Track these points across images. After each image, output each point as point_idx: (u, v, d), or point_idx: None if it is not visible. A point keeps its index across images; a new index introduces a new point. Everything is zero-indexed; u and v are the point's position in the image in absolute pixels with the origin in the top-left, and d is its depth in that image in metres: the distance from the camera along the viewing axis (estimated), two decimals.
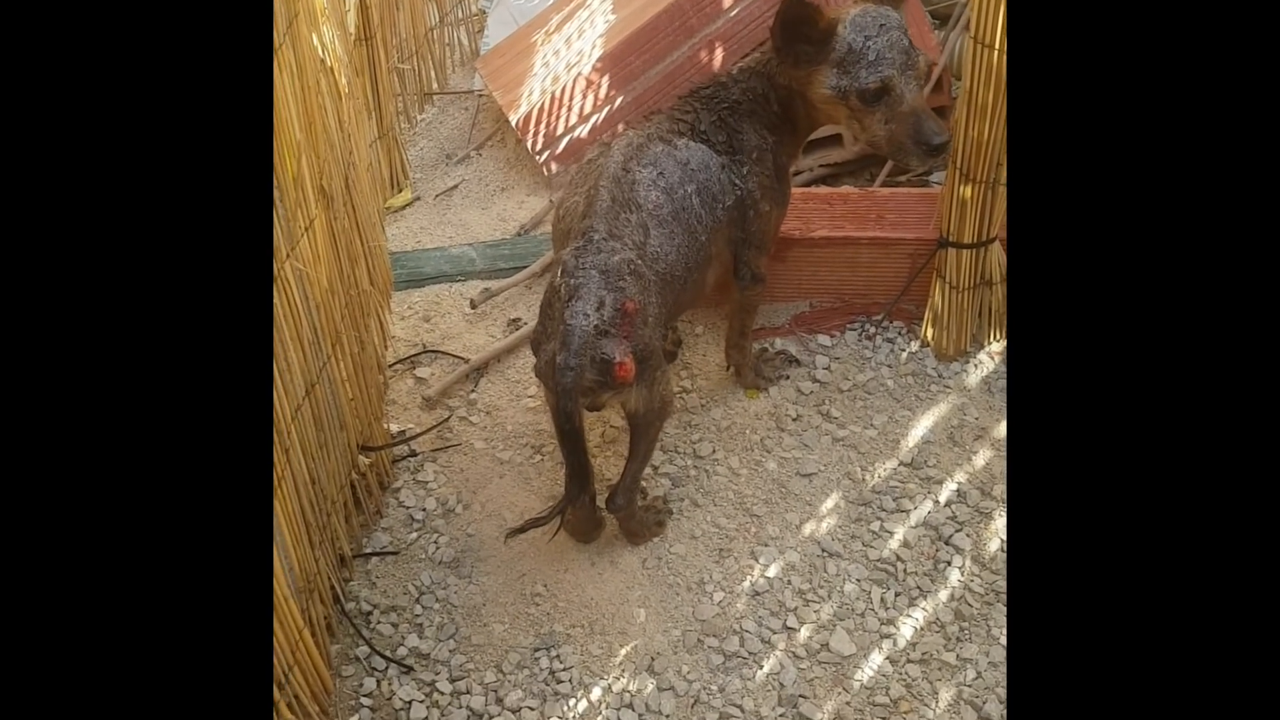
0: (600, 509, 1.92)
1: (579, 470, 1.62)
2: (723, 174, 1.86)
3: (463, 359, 2.34)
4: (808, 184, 2.74)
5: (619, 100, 2.87)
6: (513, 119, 3.00)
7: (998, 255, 2.19)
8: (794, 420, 2.14)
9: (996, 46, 1.86)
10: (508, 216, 2.89)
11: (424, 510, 2.09)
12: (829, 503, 1.99)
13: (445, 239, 2.78)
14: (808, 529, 1.94)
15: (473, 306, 2.52)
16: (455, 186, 3.08)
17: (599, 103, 2.90)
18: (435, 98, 3.50)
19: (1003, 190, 2.06)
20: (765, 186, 1.93)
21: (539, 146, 2.96)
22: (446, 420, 2.22)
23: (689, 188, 1.77)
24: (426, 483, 2.15)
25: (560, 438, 1.72)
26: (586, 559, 1.96)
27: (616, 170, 1.72)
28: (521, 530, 1.76)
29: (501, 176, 3.10)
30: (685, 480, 2.04)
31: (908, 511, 2.00)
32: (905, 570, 1.90)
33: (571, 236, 1.67)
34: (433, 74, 3.49)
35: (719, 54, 2.81)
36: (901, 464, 2.10)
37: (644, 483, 1.94)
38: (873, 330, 2.32)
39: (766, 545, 1.95)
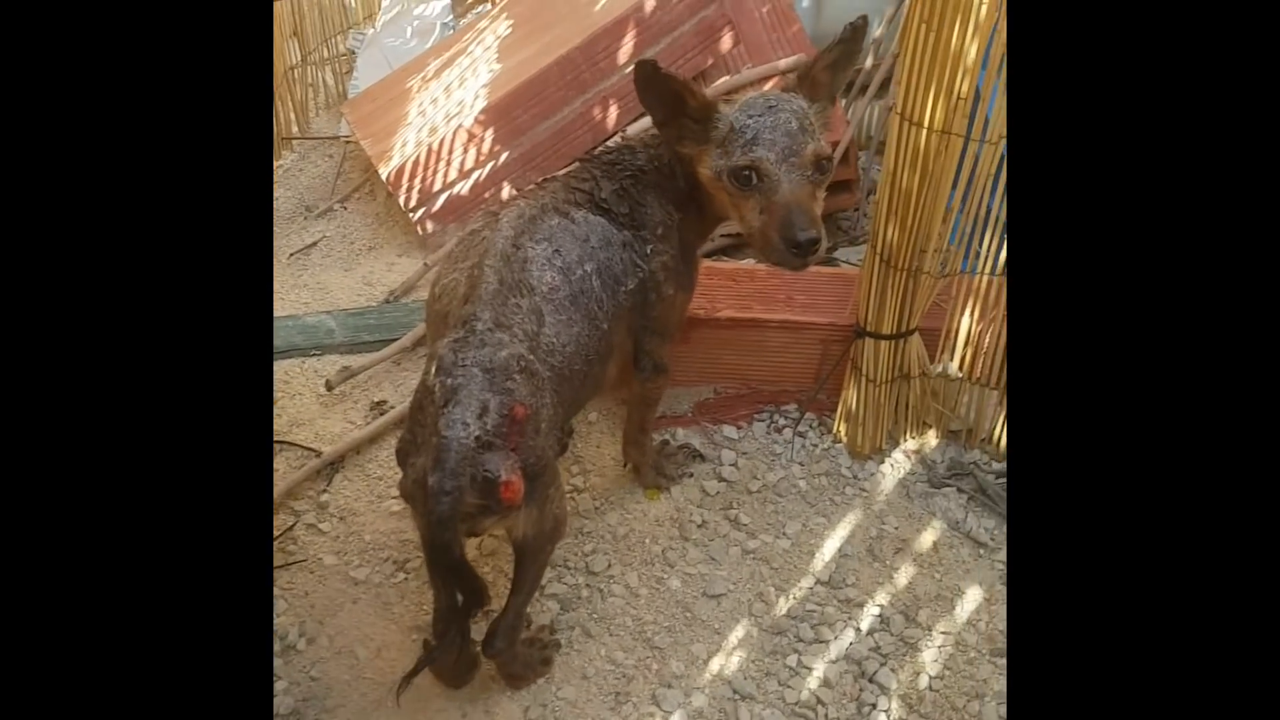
0: (474, 646, 1.60)
1: (471, 593, 1.36)
2: (624, 252, 1.64)
3: (314, 450, 2.08)
4: (709, 254, 2.54)
5: (504, 156, 2.62)
6: (383, 171, 2.71)
7: (917, 348, 2.01)
8: (699, 527, 1.93)
9: (925, 125, 1.69)
10: (374, 280, 2.60)
11: None
12: (739, 631, 1.76)
13: (299, 305, 2.52)
14: (716, 665, 1.70)
15: (329, 388, 2.21)
16: (314, 244, 2.76)
17: (482, 158, 2.64)
18: (295, 143, 3.23)
19: (926, 279, 1.89)
20: (669, 268, 1.70)
21: (413, 202, 2.68)
22: (290, 529, 1.92)
23: (588, 267, 1.56)
24: None
25: (432, 570, 1.42)
26: (457, 709, 1.64)
27: (505, 247, 1.49)
28: (413, 676, 1.42)
29: (369, 234, 2.81)
30: (576, 603, 1.80)
31: (827, 642, 1.77)
32: (826, 715, 1.66)
33: (450, 323, 1.42)
34: (293, 117, 3.19)
35: (613, 111, 2.59)
36: (819, 582, 1.87)
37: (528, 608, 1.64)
38: (782, 422, 2.12)
39: (670, 686, 1.68)
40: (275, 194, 3.04)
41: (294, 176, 3.10)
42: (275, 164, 3.13)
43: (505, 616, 1.55)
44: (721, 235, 2.59)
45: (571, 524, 1.90)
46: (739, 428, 2.13)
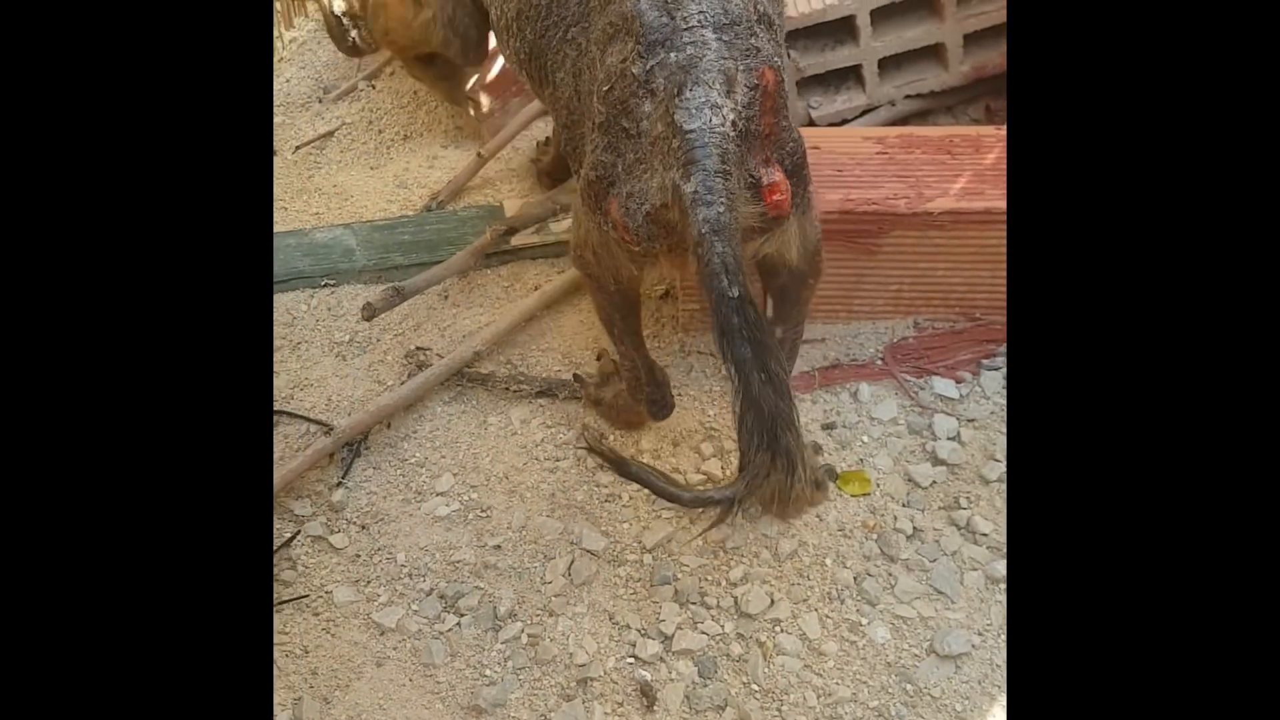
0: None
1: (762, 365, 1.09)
2: None
3: (323, 424, 1.72)
4: (889, 123, 2.00)
5: None
6: None
7: None
8: (910, 538, 1.50)
9: None
10: (410, 180, 2.23)
11: None
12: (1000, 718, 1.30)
13: (308, 217, 2.18)
14: None
15: (368, 316, 1.74)
16: (331, 133, 2.46)
17: None
18: (312, 8, 2.84)
19: None
20: None
21: None
22: (286, 545, 1.56)
23: None
24: None
25: (724, 336, 1.07)
26: None
27: None
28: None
29: (404, 118, 2.41)
30: (722, 665, 1.37)
31: None
32: None
33: None
34: None
35: None
36: None
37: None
38: None
39: None
40: (286, 74, 2.74)
41: (310, 51, 2.81)
42: (286, 36, 2.85)
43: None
44: (905, 97, 1.98)
45: (708, 537, 1.49)
46: (959, 381, 1.70)
